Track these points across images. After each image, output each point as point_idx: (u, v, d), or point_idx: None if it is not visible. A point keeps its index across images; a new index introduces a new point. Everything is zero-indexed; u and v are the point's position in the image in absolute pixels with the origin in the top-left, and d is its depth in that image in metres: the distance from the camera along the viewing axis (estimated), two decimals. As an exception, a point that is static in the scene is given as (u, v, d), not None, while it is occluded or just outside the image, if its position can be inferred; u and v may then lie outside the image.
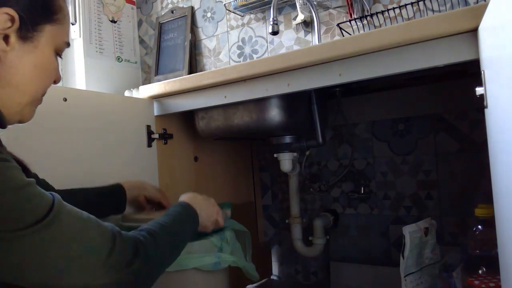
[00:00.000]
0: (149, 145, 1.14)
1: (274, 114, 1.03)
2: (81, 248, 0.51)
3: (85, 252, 0.51)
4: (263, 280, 1.46)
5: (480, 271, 0.79)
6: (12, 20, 0.53)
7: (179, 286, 0.89)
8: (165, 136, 1.18)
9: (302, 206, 1.38)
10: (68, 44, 0.63)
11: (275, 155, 1.21)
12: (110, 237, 0.54)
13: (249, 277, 0.93)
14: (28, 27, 0.55)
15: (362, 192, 1.29)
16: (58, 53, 0.62)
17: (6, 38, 0.54)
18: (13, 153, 0.55)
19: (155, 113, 1.15)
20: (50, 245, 0.48)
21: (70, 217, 0.52)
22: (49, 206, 0.49)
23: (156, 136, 1.15)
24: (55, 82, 0.64)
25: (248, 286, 1.35)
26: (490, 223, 0.79)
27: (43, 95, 0.63)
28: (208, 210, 0.83)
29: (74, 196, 0.82)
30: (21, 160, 0.57)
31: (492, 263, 0.75)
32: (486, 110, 0.60)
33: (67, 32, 0.63)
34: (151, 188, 1.02)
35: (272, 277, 1.52)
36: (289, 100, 1.03)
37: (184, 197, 0.81)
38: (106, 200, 0.91)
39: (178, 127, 1.24)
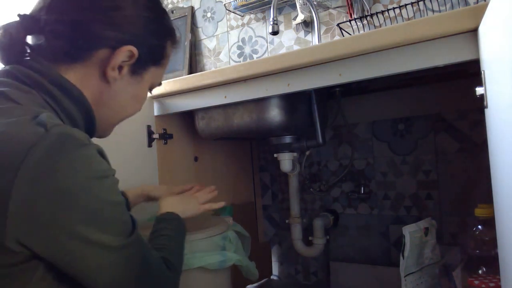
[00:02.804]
0: (150, 145, 1.14)
1: (274, 114, 1.03)
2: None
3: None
4: (263, 280, 1.46)
5: (480, 271, 0.79)
6: (131, 56, 0.61)
7: (184, 285, 0.89)
8: (165, 136, 1.18)
9: (302, 206, 1.38)
10: (160, 84, 0.72)
11: (275, 155, 1.21)
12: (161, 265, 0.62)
13: (248, 276, 0.93)
14: (140, 65, 0.63)
15: (362, 192, 1.29)
16: (151, 89, 0.71)
17: (120, 68, 0.61)
18: None
19: (155, 113, 1.15)
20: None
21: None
22: (132, 227, 0.56)
23: (156, 136, 1.15)
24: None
25: (248, 286, 1.35)
26: (490, 223, 0.79)
27: None
28: (185, 205, 0.85)
29: None
30: None
31: (492, 263, 0.75)
32: (486, 110, 0.60)
33: (163, 74, 0.72)
34: (155, 192, 0.97)
35: (272, 277, 1.52)
36: (289, 100, 1.03)
37: (164, 206, 0.82)
38: None
39: (178, 127, 1.24)
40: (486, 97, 0.57)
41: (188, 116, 1.22)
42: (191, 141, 1.29)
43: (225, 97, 1.00)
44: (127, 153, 1.07)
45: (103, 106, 0.63)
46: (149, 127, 1.14)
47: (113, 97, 0.63)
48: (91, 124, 0.62)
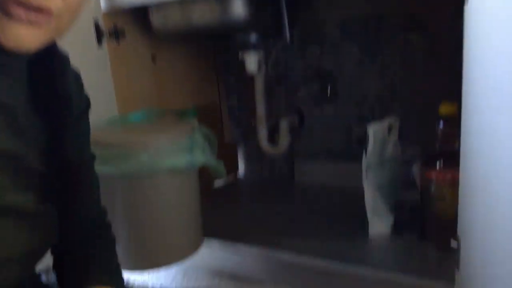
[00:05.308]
0: (99, 43, 1.02)
1: (237, 7, 0.94)
2: None
3: None
4: (229, 178, 1.51)
5: (437, 166, 0.84)
6: None
7: (153, 190, 0.89)
8: (116, 33, 1.05)
9: (267, 107, 1.37)
10: None
11: (239, 55, 1.15)
12: None
13: (216, 176, 0.95)
14: None
15: (329, 92, 1.29)
16: None
17: None
18: None
19: (103, 10, 1.01)
20: None
21: None
22: None
23: (106, 32, 1.02)
24: None
25: (215, 184, 1.41)
26: (451, 121, 0.82)
27: None
28: None
29: None
30: None
31: (450, 158, 0.79)
32: (465, 8, 0.56)
33: None
34: None
35: (238, 175, 1.57)
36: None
37: None
38: None
39: (131, 25, 1.11)
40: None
41: (142, 13, 1.09)
42: (147, 40, 1.17)
43: (182, -12, 0.89)
44: (73, 57, 0.96)
45: None
46: (96, 23, 1.01)
47: None
48: None
